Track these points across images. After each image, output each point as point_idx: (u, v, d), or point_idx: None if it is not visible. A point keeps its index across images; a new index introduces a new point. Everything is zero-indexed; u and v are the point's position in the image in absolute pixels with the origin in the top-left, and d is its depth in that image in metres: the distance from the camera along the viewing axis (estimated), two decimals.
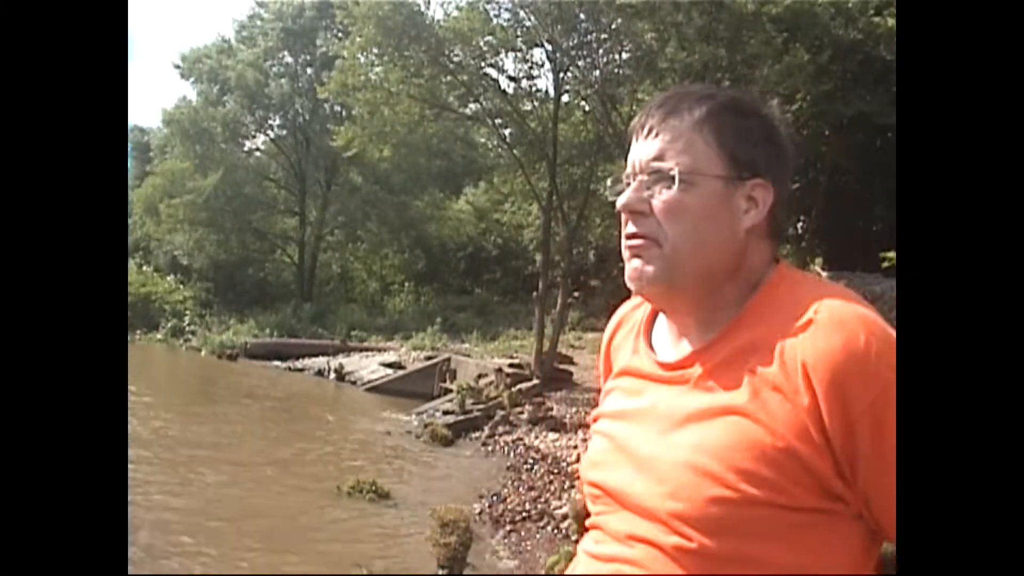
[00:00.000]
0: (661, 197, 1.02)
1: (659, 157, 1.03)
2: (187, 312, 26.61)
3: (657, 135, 1.04)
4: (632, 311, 1.21)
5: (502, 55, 15.77)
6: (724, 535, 0.94)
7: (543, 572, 6.28)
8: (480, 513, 7.94)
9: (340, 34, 22.83)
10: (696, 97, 1.06)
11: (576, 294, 20.24)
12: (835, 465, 0.94)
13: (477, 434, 12.04)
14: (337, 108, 26.71)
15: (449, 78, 15.71)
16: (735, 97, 1.08)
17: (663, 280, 1.03)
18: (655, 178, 1.03)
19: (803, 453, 0.93)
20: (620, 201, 1.05)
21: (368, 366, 18.76)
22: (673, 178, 1.01)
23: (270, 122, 30.78)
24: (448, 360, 16.75)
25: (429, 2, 15.86)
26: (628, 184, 1.06)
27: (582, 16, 14.41)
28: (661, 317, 1.15)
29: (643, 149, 1.05)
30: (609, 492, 1.06)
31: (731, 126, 1.03)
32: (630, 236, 1.05)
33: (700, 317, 1.06)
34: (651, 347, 1.13)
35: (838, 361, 0.92)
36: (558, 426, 11.64)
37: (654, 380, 1.08)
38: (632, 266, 1.05)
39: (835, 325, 0.95)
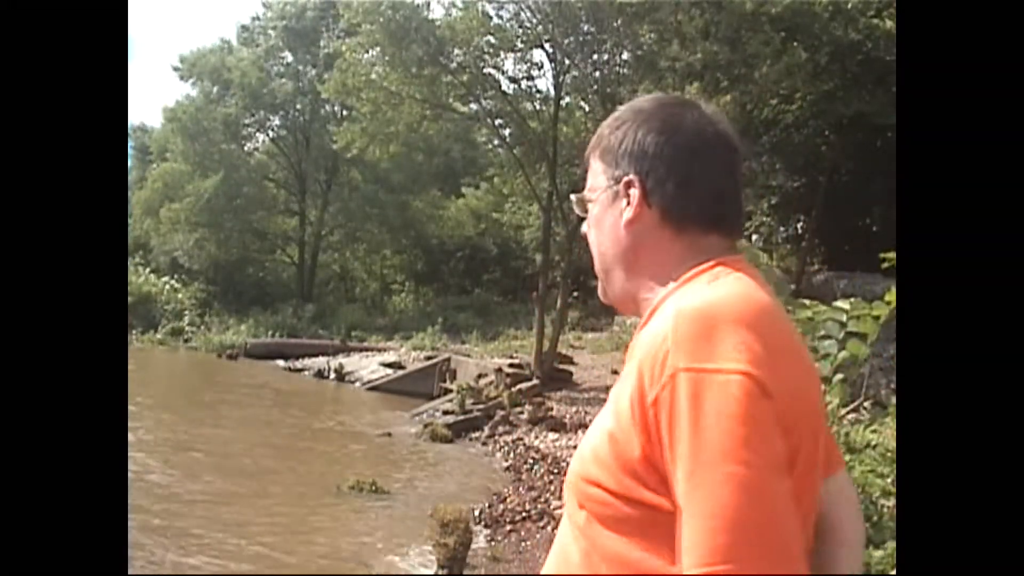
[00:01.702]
0: (585, 222, 1.20)
1: (583, 187, 1.20)
2: (187, 312, 26.60)
3: (586, 168, 1.20)
4: None
5: (502, 55, 15.77)
6: (585, 516, 1.02)
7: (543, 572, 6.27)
8: (480, 513, 7.94)
9: (342, 34, 22.81)
10: (604, 125, 1.19)
11: (576, 294, 20.24)
12: (661, 451, 0.94)
13: (477, 434, 12.05)
14: (338, 108, 26.70)
15: (450, 78, 15.71)
16: (617, 115, 1.19)
17: (602, 287, 1.18)
18: (581, 206, 1.20)
19: (638, 439, 0.96)
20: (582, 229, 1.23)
21: (368, 366, 18.77)
22: (586, 203, 1.19)
23: (270, 122, 30.79)
24: (448, 360, 16.76)
25: (428, 3, 15.77)
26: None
27: (582, 17, 14.41)
28: None
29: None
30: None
31: (607, 141, 1.16)
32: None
33: (637, 312, 1.16)
34: None
35: (645, 347, 0.99)
36: (558, 426, 11.65)
37: None
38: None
39: (666, 316, 1.00)
